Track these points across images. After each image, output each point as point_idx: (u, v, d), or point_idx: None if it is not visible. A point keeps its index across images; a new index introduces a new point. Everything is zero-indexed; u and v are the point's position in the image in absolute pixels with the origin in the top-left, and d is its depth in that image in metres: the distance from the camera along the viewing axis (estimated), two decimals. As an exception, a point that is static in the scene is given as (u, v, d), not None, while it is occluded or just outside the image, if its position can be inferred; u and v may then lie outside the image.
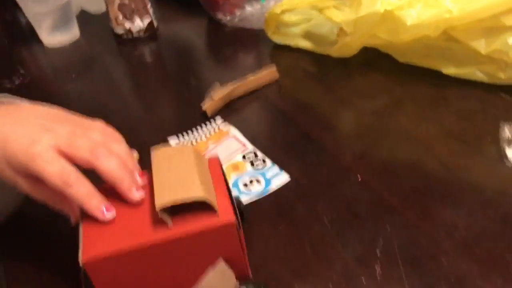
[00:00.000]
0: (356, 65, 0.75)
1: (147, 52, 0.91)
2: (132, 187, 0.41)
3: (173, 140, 0.64)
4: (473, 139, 0.59)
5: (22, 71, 0.86)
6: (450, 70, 0.65)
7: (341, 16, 0.65)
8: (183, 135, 0.65)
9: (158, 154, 0.43)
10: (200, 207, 0.39)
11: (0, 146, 0.40)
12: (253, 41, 0.87)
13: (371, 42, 0.70)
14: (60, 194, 0.40)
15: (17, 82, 0.83)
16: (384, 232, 0.49)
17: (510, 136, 0.56)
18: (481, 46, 0.60)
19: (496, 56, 0.59)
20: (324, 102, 0.70)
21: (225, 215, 0.39)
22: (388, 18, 0.62)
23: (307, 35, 0.79)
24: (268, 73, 0.72)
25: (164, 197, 0.38)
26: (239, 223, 0.40)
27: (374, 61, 0.74)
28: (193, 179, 0.39)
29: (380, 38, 0.66)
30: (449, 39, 0.64)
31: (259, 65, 0.75)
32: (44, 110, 0.43)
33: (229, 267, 0.41)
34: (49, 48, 0.93)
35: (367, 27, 0.64)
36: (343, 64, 0.75)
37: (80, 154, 0.40)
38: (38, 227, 0.55)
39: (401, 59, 0.70)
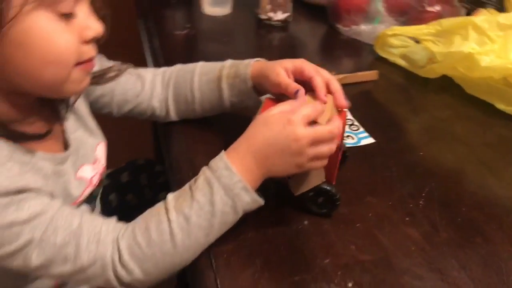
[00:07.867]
0: (434, 86, 1.02)
1: (276, 37, 1.21)
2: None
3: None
4: None
5: (187, 25, 1.17)
6: (501, 106, 0.91)
7: (437, 48, 0.93)
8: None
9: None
10: None
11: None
12: (360, 50, 1.15)
13: (450, 72, 0.96)
14: None
15: (185, 31, 1.14)
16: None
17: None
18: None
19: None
20: (404, 106, 0.97)
21: None
22: (469, 57, 0.88)
23: (403, 57, 1.06)
24: (370, 74, 1.00)
25: None
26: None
27: (447, 87, 1.00)
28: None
29: (458, 71, 0.93)
30: (506, 84, 0.90)
31: (359, 69, 1.03)
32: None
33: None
34: (207, 15, 1.23)
35: (453, 60, 0.91)
36: (424, 83, 1.02)
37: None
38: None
39: (468, 90, 0.97)
